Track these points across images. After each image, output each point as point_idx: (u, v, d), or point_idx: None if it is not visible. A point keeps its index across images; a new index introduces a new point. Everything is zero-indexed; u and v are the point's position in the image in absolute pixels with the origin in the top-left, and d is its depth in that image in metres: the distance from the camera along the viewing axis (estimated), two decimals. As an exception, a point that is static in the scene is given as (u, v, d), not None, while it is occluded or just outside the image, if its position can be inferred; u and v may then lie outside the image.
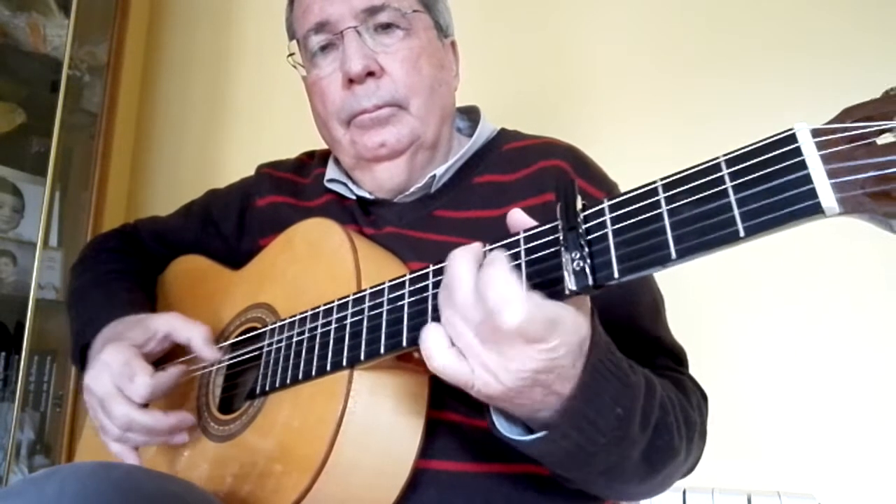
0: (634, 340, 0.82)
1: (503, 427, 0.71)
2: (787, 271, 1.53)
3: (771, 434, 1.51)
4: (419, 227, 0.98)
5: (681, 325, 1.02)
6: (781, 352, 1.53)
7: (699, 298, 1.57)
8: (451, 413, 0.85)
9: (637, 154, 1.65)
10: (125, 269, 1.19)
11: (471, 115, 1.14)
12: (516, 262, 0.65)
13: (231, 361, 0.98)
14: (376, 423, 0.78)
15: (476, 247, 0.67)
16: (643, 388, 0.72)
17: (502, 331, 0.60)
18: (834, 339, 1.50)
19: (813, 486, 1.45)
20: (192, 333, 0.96)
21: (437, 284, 0.71)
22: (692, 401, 0.87)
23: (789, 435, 1.49)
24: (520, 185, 0.98)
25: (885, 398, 1.44)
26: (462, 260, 0.64)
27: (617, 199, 0.60)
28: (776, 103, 1.60)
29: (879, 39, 1.55)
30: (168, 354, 1.00)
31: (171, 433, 0.92)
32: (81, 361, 1.05)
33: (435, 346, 0.65)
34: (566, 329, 0.62)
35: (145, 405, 0.91)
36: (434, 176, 1.00)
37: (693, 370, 0.97)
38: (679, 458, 0.80)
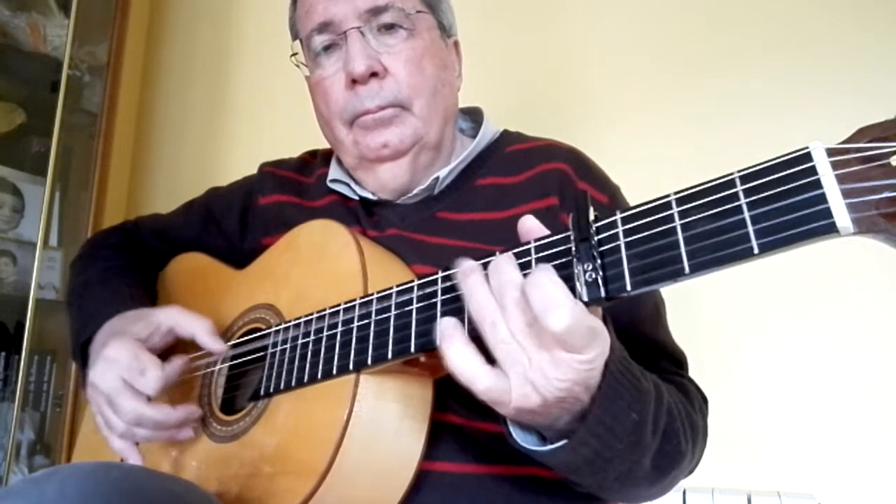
0: (636, 345, 0.82)
1: (519, 437, 0.72)
2: (786, 272, 1.54)
3: (771, 434, 1.51)
4: (422, 230, 0.98)
5: (682, 325, 1.03)
6: (781, 352, 1.54)
7: (700, 300, 1.57)
8: (454, 415, 0.86)
9: (638, 154, 1.65)
10: (125, 264, 1.19)
11: (474, 116, 1.14)
12: (527, 272, 0.65)
13: (235, 362, 0.98)
14: (381, 427, 0.78)
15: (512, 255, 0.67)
16: (653, 394, 0.73)
17: (547, 334, 0.59)
18: (833, 340, 1.51)
19: (813, 486, 1.45)
20: (196, 328, 0.95)
21: (445, 290, 0.72)
22: (695, 404, 0.88)
23: (789, 435, 1.50)
24: (522, 188, 0.98)
25: (885, 398, 1.45)
26: (510, 264, 0.64)
27: (630, 212, 0.61)
28: (776, 104, 1.60)
29: (880, 40, 1.55)
30: (177, 347, 1.00)
31: (178, 427, 0.92)
32: (83, 357, 1.05)
33: (472, 368, 0.64)
34: (603, 341, 0.62)
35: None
36: (437, 178, 1.00)
37: (694, 371, 0.98)
38: (685, 461, 0.81)
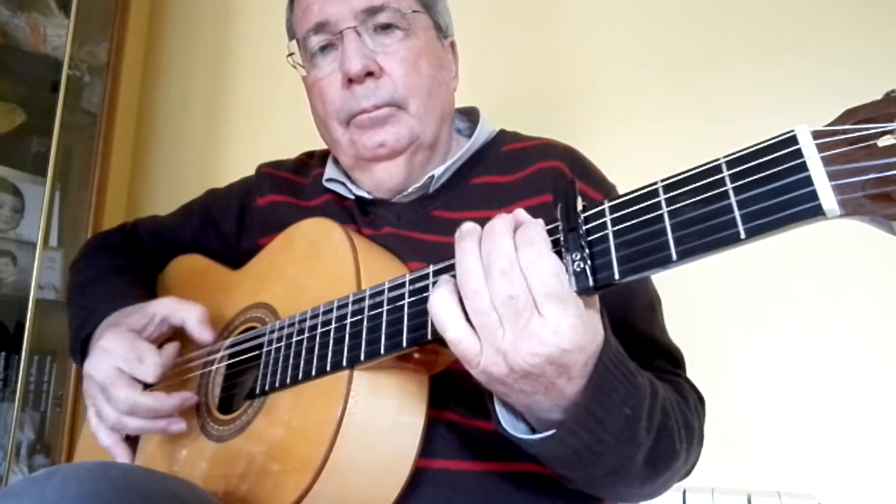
0: (630, 341, 0.81)
1: (509, 425, 0.71)
2: (786, 272, 1.53)
3: (771, 434, 1.50)
4: (417, 228, 0.98)
5: (680, 324, 1.02)
6: (781, 351, 1.53)
7: (698, 298, 1.57)
8: (451, 413, 0.86)
9: (637, 155, 1.65)
10: (125, 264, 1.20)
11: (470, 116, 1.14)
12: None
13: (231, 361, 0.98)
14: (376, 423, 0.78)
15: (512, 216, 0.66)
16: (649, 390, 0.72)
17: (528, 306, 0.60)
18: (834, 339, 1.50)
19: (813, 486, 1.45)
20: (187, 315, 0.96)
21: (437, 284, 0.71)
22: (690, 404, 0.87)
23: (789, 435, 1.49)
24: (518, 187, 0.98)
25: (885, 398, 1.44)
26: (505, 231, 0.63)
27: (617, 200, 0.60)
28: (777, 104, 1.60)
29: (881, 41, 1.55)
30: (167, 340, 1.01)
31: (172, 415, 0.92)
32: (82, 354, 1.05)
33: (449, 318, 0.64)
34: (581, 316, 0.62)
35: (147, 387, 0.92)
36: (433, 176, 1.00)
37: (693, 370, 0.97)
38: (679, 461, 0.80)
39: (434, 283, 0.72)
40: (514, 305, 0.60)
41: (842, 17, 1.59)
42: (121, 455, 0.94)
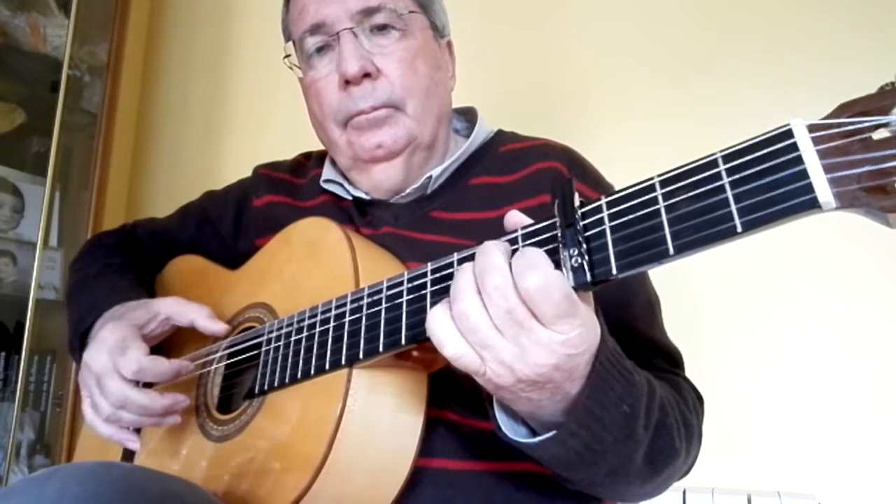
0: (630, 342, 0.81)
1: (508, 429, 0.71)
2: (786, 270, 1.53)
3: (771, 434, 1.50)
4: (415, 228, 0.98)
5: (679, 324, 1.02)
6: (781, 351, 1.53)
7: (698, 297, 1.57)
8: (450, 412, 0.86)
9: (636, 155, 1.65)
10: (125, 262, 1.20)
11: (468, 116, 1.14)
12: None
13: (230, 361, 0.98)
14: (375, 422, 0.78)
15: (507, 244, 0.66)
16: (646, 388, 0.72)
17: (526, 315, 0.59)
18: (833, 339, 1.50)
19: (813, 486, 1.45)
20: (194, 314, 0.97)
21: (435, 282, 0.71)
22: (688, 403, 0.87)
23: (789, 435, 1.49)
24: (516, 187, 0.98)
25: (885, 398, 1.44)
26: (498, 249, 0.62)
27: (614, 196, 0.60)
28: (777, 104, 1.60)
29: (881, 41, 1.55)
30: (175, 348, 1.01)
31: (164, 415, 0.92)
32: (81, 347, 1.05)
33: (445, 335, 0.63)
34: (585, 320, 0.61)
35: (147, 386, 0.92)
36: (430, 177, 1.00)
37: (692, 370, 0.97)
38: (679, 459, 0.80)
39: (433, 280, 0.72)
40: (513, 318, 0.60)
41: (842, 17, 1.59)
42: (128, 441, 0.94)
